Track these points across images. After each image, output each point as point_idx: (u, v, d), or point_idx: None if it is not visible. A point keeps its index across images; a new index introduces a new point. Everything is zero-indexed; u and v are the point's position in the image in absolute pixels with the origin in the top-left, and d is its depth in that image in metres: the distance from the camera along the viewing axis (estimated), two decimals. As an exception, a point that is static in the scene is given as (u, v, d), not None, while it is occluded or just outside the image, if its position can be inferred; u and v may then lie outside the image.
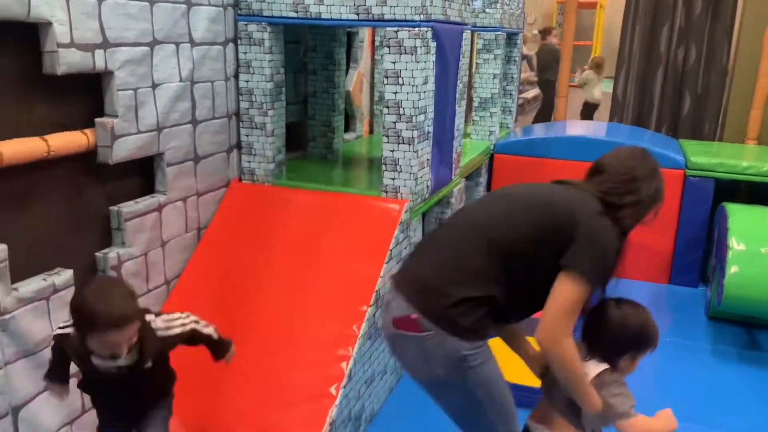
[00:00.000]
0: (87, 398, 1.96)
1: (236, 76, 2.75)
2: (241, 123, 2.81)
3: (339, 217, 2.62)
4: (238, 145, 2.84)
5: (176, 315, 1.78)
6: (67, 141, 2.01)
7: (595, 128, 4.66)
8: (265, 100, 2.75)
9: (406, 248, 2.65)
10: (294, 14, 2.61)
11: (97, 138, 2.11)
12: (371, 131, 4.25)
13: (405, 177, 2.64)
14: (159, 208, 2.39)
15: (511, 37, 4.39)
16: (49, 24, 1.87)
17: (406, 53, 2.50)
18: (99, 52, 2.04)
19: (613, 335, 1.64)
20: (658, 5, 4.85)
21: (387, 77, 2.55)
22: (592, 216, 1.57)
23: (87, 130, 2.08)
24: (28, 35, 1.87)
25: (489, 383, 1.61)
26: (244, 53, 2.71)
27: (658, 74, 4.83)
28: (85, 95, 2.10)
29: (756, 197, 3.92)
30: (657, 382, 2.86)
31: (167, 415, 1.86)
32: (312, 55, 3.38)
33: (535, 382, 1.83)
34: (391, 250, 2.48)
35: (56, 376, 1.77)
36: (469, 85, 4.24)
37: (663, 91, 4.89)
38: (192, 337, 1.79)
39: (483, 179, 4.08)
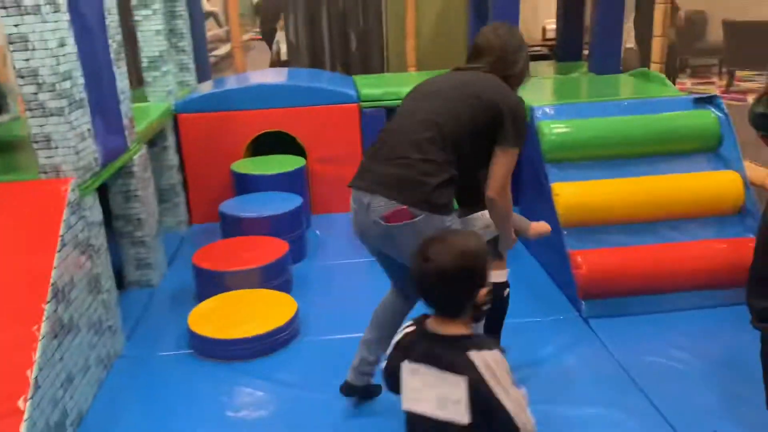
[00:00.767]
0: None
1: None
2: None
3: (-8, 212, 2.26)
4: None
5: None
6: None
7: (276, 75, 4.73)
8: None
9: (82, 230, 2.41)
10: None
11: None
12: (30, 109, 3.73)
13: (64, 153, 2.37)
14: None
15: (170, -9, 4.17)
16: None
17: (28, 13, 2.20)
18: None
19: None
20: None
21: (13, 43, 2.23)
22: (507, 97, 1.97)
23: None
24: None
25: None
26: None
27: (323, 17, 5.05)
28: None
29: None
30: (360, 294, 3.11)
31: None
32: None
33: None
34: (62, 236, 2.23)
35: None
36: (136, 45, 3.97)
37: (330, 32, 5.14)
38: None
39: (170, 142, 3.89)
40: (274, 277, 3.08)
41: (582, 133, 3.16)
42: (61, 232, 2.23)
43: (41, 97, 2.30)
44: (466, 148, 1.94)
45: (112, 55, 2.84)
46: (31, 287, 2.10)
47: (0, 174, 2.53)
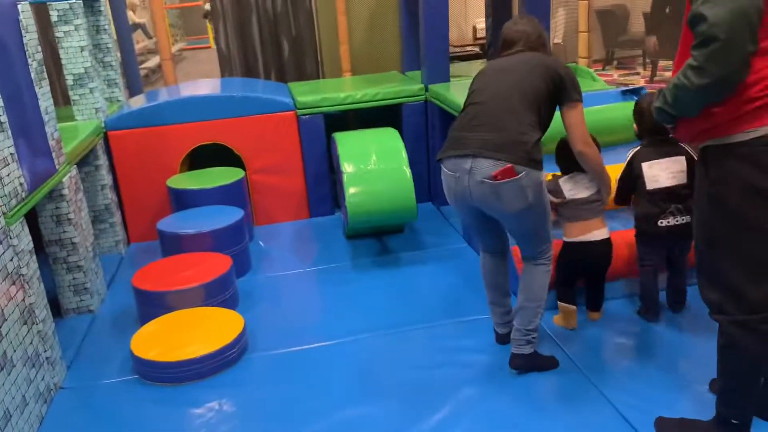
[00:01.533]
0: None
1: None
2: None
3: None
4: None
5: None
6: None
7: (209, 86, 4.63)
8: None
9: (11, 259, 2.30)
10: None
11: None
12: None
13: (-15, 180, 2.26)
14: None
15: (92, 5, 4.03)
16: None
17: (-63, 36, 2.08)
18: None
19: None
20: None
21: None
22: (560, 64, 2.35)
23: None
24: None
25: (548, 200, 2.33)
26: None
27: (254, 23, 4.98)
28: None
29: (362, 122, 4.39)
30: (308, 304, 3.09)
31: None
32: None
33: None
34: (-11, 268, 2.12)
35: None
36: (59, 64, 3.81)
37: (262, 39, 5.08)
38: None
39: (102, 161, 3.76)
40: (219, 293, 3.01)
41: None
42: (-13, 264, 2.12)
43: (-43, 123, 2.18)
44: (543, 110, 2.26)
45: (33, 75, 2.72)
46: (-42, 324, 1.99)
47: None
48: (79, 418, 2.41)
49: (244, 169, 4.09)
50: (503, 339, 2.59)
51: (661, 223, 2.56)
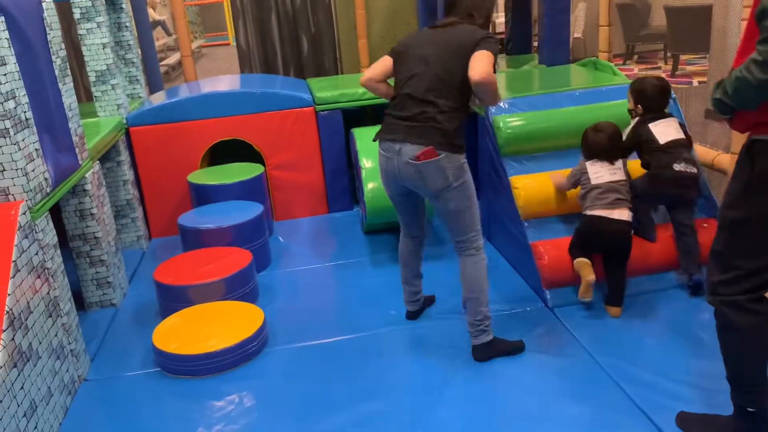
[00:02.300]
0: None
1: None
2: None
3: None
4: None
5: None
6: None
7: (228, 82, 4.66)
8: None
9: (36, 253, 2.34)
10: None
11: None
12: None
13: (12, 176, 2.30)
14: None
15: (113, 3, 4.08)
16: None
17: (-35, 34, 2.12)
18: None
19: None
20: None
21: (-50, 65, 2.15)
22: (479, 32, 2.35)
23: None
24: None
25: (471, 183, 2.44)
26: None
27: (273, 20, 5.01)
28: None
29: (380, 118, 4.38)
30: (327, 299, 3.11)
31: None
32: None
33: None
34: (15, 261, 2.17)
35: None
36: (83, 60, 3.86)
37: (281, 35, 5.10)
38: None
39: (124, 157, 3.80)
40: (239, 287, 3.04)
41: (537, 125, 3.20)
42: (13, 257, 2.17)
43: (-16, 119, 2.22)
44: (464, 89, 2.34)
45: (57, 72, 2.76)
46: (-14, 317, 2.04)
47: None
48: (102, 410, 2.46)
49: (264, 164, 4.12)
50: (412, 316, 2.87)
51: (676, 166, 2.78)
